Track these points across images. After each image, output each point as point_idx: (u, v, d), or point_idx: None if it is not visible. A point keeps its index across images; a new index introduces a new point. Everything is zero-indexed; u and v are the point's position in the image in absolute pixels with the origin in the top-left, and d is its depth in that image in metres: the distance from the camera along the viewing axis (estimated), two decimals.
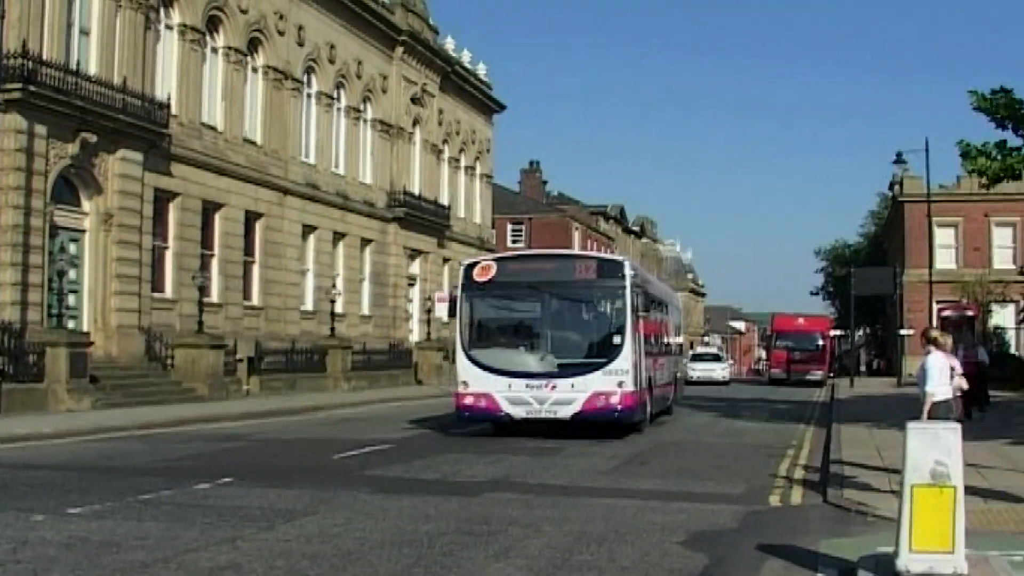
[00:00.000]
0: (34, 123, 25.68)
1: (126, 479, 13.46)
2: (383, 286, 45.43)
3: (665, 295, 28.35)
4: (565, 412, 19.05)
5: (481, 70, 57.57)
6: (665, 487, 13.60)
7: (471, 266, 20.40)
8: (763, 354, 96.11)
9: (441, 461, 15.86)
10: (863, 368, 67.22)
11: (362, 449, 17.62)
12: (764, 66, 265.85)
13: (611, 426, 19.49)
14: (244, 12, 35.22)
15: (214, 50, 34.30)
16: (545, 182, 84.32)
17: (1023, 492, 12.10)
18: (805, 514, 11.64)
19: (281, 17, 37.40)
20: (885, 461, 14.61)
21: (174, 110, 31.27)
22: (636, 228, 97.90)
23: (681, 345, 32.25)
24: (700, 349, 70.13)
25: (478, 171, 58.04)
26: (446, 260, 50.71)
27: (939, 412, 11.51)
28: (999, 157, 18.68)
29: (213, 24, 34.11)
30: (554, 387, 19.09)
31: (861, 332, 77.34)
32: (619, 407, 19.02)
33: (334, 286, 39.14)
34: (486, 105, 58.45)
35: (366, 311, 44.25)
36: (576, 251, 22.88)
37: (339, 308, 39.32)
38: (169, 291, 31.78)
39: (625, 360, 19.13)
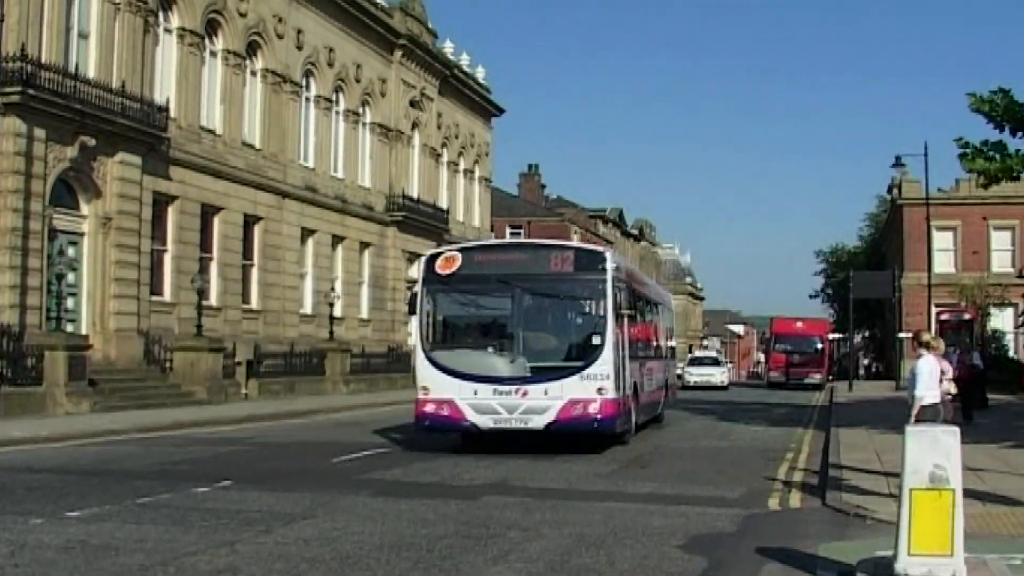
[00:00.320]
0: (33, 126, 25.69)
1: (124, 482, 13.45)
2: (382, 289, 45.43)
3: (655, 294, 26.46)
4: (538, 422, 17.07)
5: (480, 74, 57.61)
6: (664, 491, 13.59)
7: (433, 257, 18.33)
8: (762, 357, 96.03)
9: (440, 464, 15.86)
10: (862, 371, 67.29)
11: (361, 452, 17.61)
12: (763, 69, 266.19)
13: (590, 438, 17.74)
14: (243, 16, 35.24)
15: (213, 53, 34.32)
16: (544, 185, 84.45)
17: (1022, 495, 12.10)
18: (804, 518, 11.64)
19: (280, 20, 37.42)
20: (884, 464, 14.61)
21: (173, 113, 31.29)
22: (635, 231, 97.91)
23: (674, 349, 30.03)
24: (698, 353, 68.42)
25: (477, 174, 58.06)
26: None
27: (926, 416, 11.54)
28: (997, 158, 18.64)
29: (212, 27, 34.13)
30: (525, 393, 17.06)
31: (860, 335, 77.40)
32: (599, 416, 17.08)
33: (333, 289, 39.13)
34: (485, 108, 58.49)
35: (365, 314, 44.25)
36: (551, 240, 19.63)
37: (338, 311, 39.32)
38: (168, 294, 31.79)
39: (605, 363, 17.20)
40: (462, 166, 55.72)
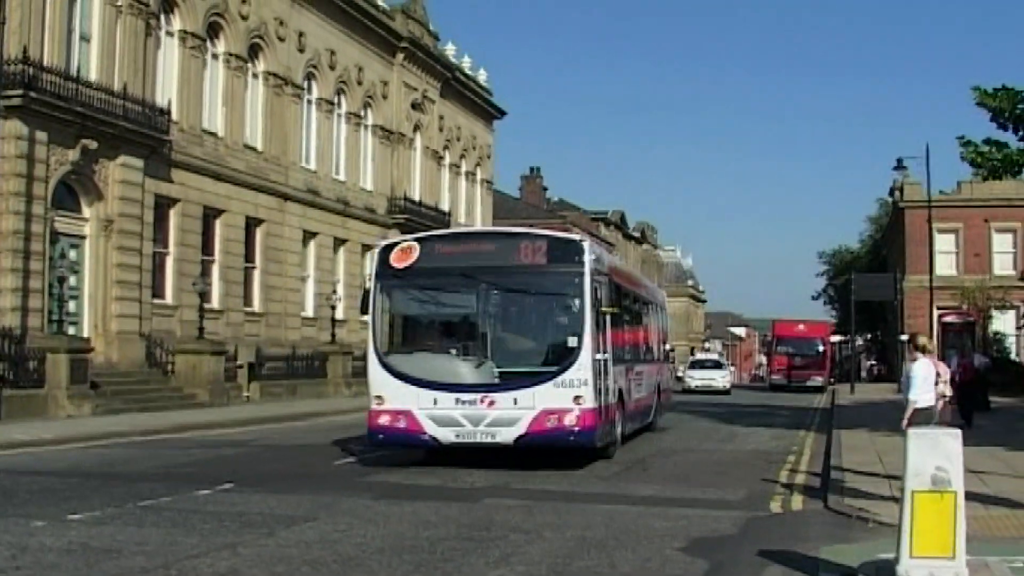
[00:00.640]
0: (35, 129, 25.71)
1: (126, 485, 13.45)
2: None
3: (645, 290, 24.35)
4: (506, 435, 15.15)
5: (481, 76, 57.65)
6: (665, 493, 13.58)
7: (387, 248, 16.36)
8: (763, 360, 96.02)
9: (441, 466, 15.83)
10: (864, 374, 67.24)
11: (362, 455, 17.58)
12: (766, 72, 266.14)
13: (566, 453, 15.82)
14: (244, 18, 35.26)
15: (215, 56, 34.34)
16: (546, 188, 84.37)
17: None
18: (806, 520, 11.63)
19: (282, 23, 37.44)
20: (886, 467, 14.60)
21: (175, 116, 31.31)
22: (637, 234, 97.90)
23: (669, 351, 27.94)
24: (700, 355, 67.26)
25: (479, 177, 58.07)
26: None
27: (919, 419, 11.53)
28: (998, 153, 18.54)
29: (214, 30, 34.15)
30: (492, 403, 15.17)
31: (862, 338, 77.35)
32: (576, 428, 15.10)
33: (335, 292, 39.12)
34: (486, 111, 58.51)
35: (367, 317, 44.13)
36: (521, 228, 16.82)
37: (340, 314, 39.29)
38: (169, 297, 31.80)
39: (583, 368, 15.19)
40: (464, 168, 55.74)
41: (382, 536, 10.07)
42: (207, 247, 33.68)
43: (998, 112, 18.46)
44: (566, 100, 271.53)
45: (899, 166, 46.82)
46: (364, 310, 16.46)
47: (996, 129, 18.94)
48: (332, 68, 41.07)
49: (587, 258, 15.62)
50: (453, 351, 16.00)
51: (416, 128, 48.76)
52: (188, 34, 32.49)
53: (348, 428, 24.46)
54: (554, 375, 15.25)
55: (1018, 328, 52.51)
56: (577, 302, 15.49)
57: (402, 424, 15.51)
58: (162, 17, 31.62)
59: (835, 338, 67.26)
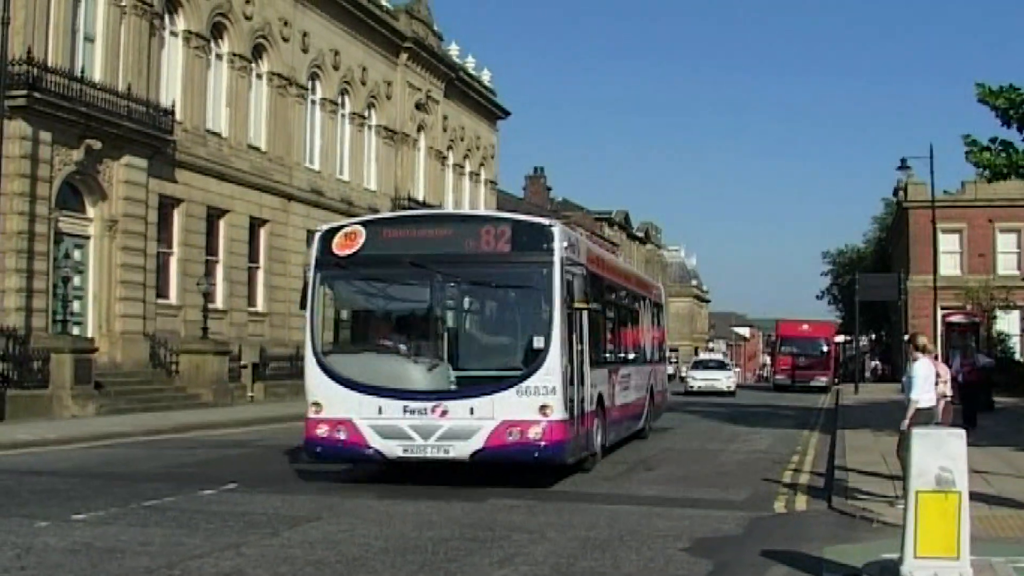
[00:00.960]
0: (39, 129, 25.73)
1: (130, 485, 13.47)
2: None
3: (636, 284, 22.12)
4: (461, 450, 13.17)
5: (485, 76, 57.64)
6: (669, 493, 13.59)
7: (329, 233, 14.37)
8: (767, 360, 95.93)
9: None
10: (868, 374, 67.20)
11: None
12: (770, 71, 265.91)
13: (533, 470, 13.88)
14: (249, 19, 35.28)
15: (219, 56, 34.36)
16: (550, 188, 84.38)
17: None
18: (810, 520, 11.63)
19: (286, 24, 37.46)
20: (890, 467, 14.58)
21: (179, 116, 31.31)
22: (641, 234, 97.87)
23: (664, 352, 25.78)
24: (703, 355, 66.12)
25: (482, 177, 58.06)
26: None
27: (920, 419, 11.53)
28: (1004, 155, 18.50)
29: (218, 31, 34.17)
30: (445, 412, 13.21)
31: (866, 338, 77.28)
32: (542, 443, 13.07)
33: None
34: (490, 111, 58.51)
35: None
36: (482, 211, 15.11)
37: None
38: (174, 297, 31.82)
39: (550, 373, 13.20)
40: (468, 168, 55.73)
41: (386, 536, 10.08)
42: (211, 247, 33.69)
43: (1002, 111, 18.40)
44: (570, 100, 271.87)
45: (903, 166, 46.79)
46: (303, 304, 14.39)
47: (1001, 126, 18.89)
48: (336, 68, 41.09)
49: (557, 245, 13.62)
50: (403, 352, 14.03)
51: (420, 128, 48.77)
52: (192, 34, 32.50)
53: None
54: (517, 381, 13.25)
55: (1022, 328, 52.44)
56: (545, 296, 13.55)
57: (342, 436, 13.52)
58: (166, 17, 31.63)
59: (839, 338, 67.25)
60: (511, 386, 13.23)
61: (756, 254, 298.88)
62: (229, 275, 34.42)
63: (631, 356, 20.22)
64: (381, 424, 13.35)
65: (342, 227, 14.46)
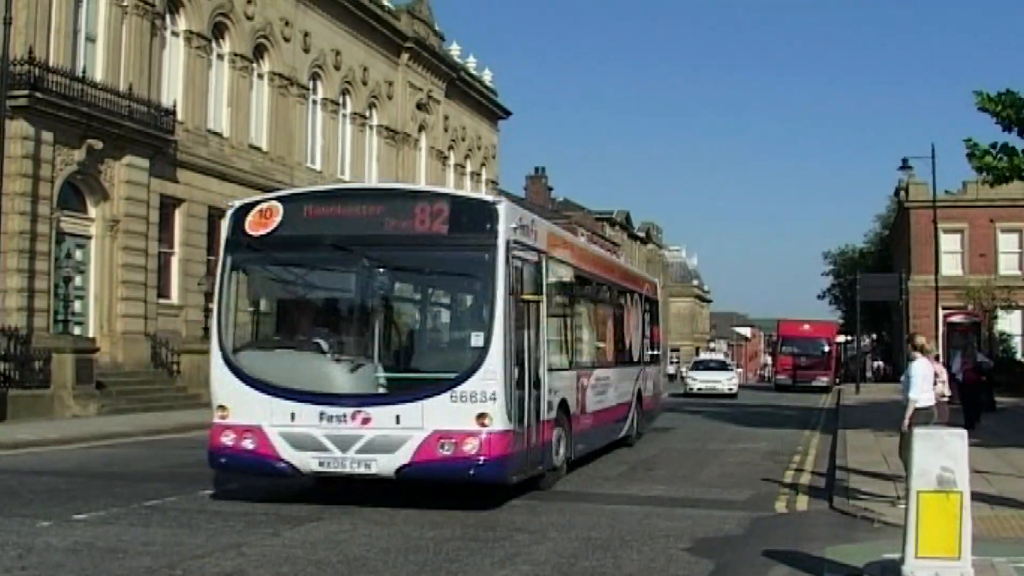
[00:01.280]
0: (41, 129, 25.74)
1: (132, 485, 13.47)
2: None
3: (618, 275, 19.86)
4: (385, 465, 11.37)
5: (487, 76, 57.64)
6: (670, 493, 13.59)
7: (242, 210, 12.51)
8: (769, 360, 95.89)
9: None
10: (869, 374, 67.25)
11: None
12: (771, 71, 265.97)
13: (470, 488, 11.92)
14: (250, 19, 35.29)
15: (220, 56, 34.37)
16: (551, 188, 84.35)
17: None
18: (811, 520, 11.63)
19: (287, 24, 37.46)
20: (891, 467, 14.59)
21: (180, 116, 31.33)
22: (642, 234, 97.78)
23: (656, 352, 23.50)
24: (703, 355, 64.21)
25: (484, 177, 58.05)
26: None
27: (920, 419, 11.54)
28: (1005, 158, 18.52)
29: (219, 31, 34.18)
30: (367, 420, 11.38)
31: (867, 338, 77.28)
32: (480, 458, 11.20)
33: None
34: (491, 111, 58.51)
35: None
36: (416, 186, 13.44)
37: None
38: (175, 297, 31.84)
39: (490, 376, 11.30)
40: (469, 168, 55.73)
41: (387, 536, 10.08)
42: (212, 247, 33.64)
43: (1002, 118, 18.44)
44: (571, 100, 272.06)
45: (904, 166, 46.78)
46: (210, 294, 12.51)
47: (1002, 132, 18.93)
48: (337, 68, 41.09)
49: (503, 227, 11.67)
50: (323, 349, 12.04)
51: (421, 128, 48.78)
52: (193, 34, 32.51)
53: None
54: (451, 385, 11.33)
55: None
56: (485, 286, 11.62)
57: (250, 445, 11.72)
58: (167, 17, 31.65)
59: (841, 338, 67.20)
60: (444, 391, 11.31)
61: (757, 254, 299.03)
62: None
63: (610, 357, 18.31)
64: (294, 433, 11.56)
65: (257, 203, 12.56)
